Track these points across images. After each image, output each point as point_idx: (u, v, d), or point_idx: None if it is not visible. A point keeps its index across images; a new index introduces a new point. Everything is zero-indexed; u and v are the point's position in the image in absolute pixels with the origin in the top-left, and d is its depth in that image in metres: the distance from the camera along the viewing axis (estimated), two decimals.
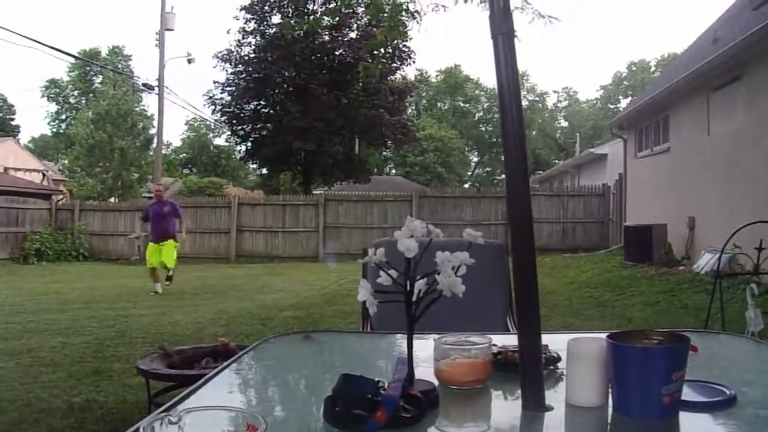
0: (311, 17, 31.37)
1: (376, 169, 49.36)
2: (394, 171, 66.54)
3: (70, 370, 7.01)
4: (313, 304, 11.79)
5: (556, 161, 70.90)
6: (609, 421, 1.54)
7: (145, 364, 5.02)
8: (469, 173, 78.56)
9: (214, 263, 22.90)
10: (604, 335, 1.55)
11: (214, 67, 34.01)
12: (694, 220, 15.09)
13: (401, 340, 2.30)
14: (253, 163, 40.95)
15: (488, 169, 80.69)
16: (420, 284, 1.64)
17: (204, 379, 1.88)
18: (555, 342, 1.93)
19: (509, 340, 2.03)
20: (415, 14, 12.54)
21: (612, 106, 74.73)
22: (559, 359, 1.91)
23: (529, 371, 1.60)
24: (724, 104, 13.85)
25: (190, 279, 17.42)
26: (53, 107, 71.03)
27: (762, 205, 11.73)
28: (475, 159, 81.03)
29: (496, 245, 3.89)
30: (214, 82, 34.20)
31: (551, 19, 11.33)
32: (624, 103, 73.68)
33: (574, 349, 1.62)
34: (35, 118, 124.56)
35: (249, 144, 35.27)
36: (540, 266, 17.93)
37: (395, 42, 28.24)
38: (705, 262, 13.29)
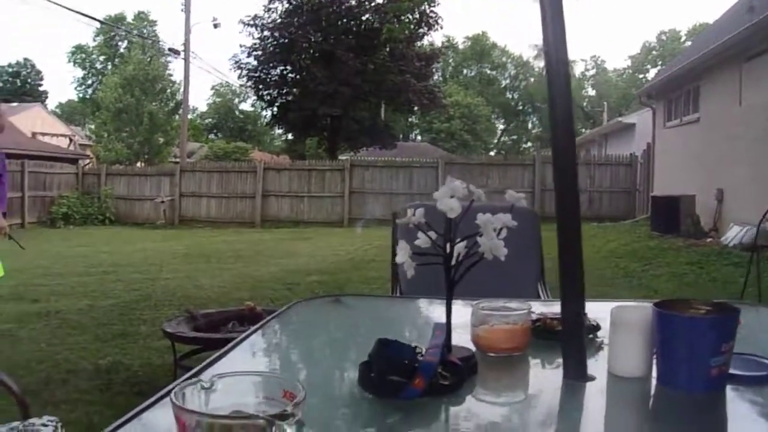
0: None
1: (401, 135, 49.22)
2: (419, 137, 66.33)
3: (96, 332, 7.03)
4: (339, 269, 11.76)
5: (583, 130, 70.40)
6: (652, 392, 1.48)
7: (171, 327, 5.02)
8: (495, 141, 78.19)
9: (239, 227, 22.99)
10: (647, 304, 1.49)
11: (240, 32, 33.80)
12: (723, 192, 14.91)
13: (433, 305, 2.25)
14: (279, 129, 40.91)
15: (514, 137, 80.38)
16: (459, 247, 1.59)
17: (232, 344, 1.85)
18: (593, 311, 1.87)
19: (543, 308, 1.98)
20: None
21: (641, 76, 73.88)
22: (598, 327, 1.85)
23: (571, 339, 1.55)
24: (757, 74, 13.61)
25: (216, 243, 17.48)
26: (80, 72, 71.38)
27: None
28: (501, 127, 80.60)
29: (529, 211, 3.85)
30: (241, 46, 34.20)
31: None
32: (653, 72, 72.84)
33: (618, 317, 1.56)
34: (62, 84, 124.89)
35: (275, 109, 35.15)
36: None
37: (422, 7, 27.99)
38: (733, 234, 13.15)
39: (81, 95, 71.38)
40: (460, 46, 78.26)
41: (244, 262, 13.00)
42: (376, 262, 12.35)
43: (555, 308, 1.68)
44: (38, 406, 3.78)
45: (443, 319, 1.62)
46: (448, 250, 1.57)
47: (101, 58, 70.25)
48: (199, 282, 10.40)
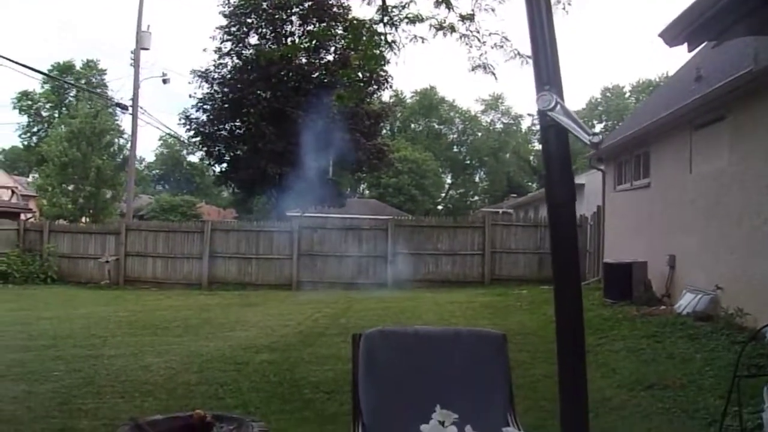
0: (288, 39, 31.22)
1: (349, 189, 49.15)
2: (367, 192, 66.42)
3: (32, 428, 6.62)
4: (289, 345, 11.37)
5: (530, 183, 71.25)
6: None
7: None
8: (443, 195, 78.61)
9: (186, 289, 22.50)
10: None
11: (189, 83, 33.59)
12: (675, 258, 14.92)
13: None
14: (227, 186, 40.33)
15: (461, 190, 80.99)
16: None
17: None
18: None
19: None
20: (393, 44, 12.38)
21: None
22: None
23: None
24: (707, 143, 13.70)
25: (162, 309, 17.04)
26: (24, 119, 70.15)
27: (744, 246, 11.60)
28: (449, 181, 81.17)
29: (495, 336, 3.56)
30: (190, 96, 33.75)
31: (528, 59, 11.27)
32: (599, 127, 74.22)
33: None
34: (6, 130, 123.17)
35: (224, 166, 34.89)
36: (518, 300, 17.64)
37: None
38: (687, 302, 13.15)
39: (26, 143, 70.11)
40: (408, 101, 78.88)
41: (191, 335, 12.54)
42: (327, 336, 12.10)
43: None
44: None
45: None
46: None
47: (48, 105, 69.26)
48: (144, 361, 9.94)
